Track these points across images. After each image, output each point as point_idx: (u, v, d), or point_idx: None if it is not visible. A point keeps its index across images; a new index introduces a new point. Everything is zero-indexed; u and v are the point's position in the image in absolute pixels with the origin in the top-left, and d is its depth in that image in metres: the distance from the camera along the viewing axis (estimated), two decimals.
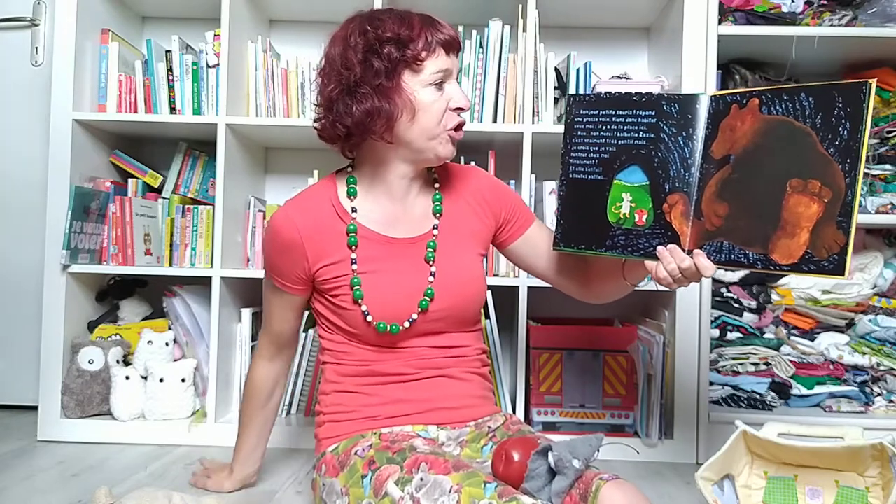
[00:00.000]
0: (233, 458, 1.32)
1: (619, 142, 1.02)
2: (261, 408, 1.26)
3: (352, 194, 1.08)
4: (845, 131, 0.83)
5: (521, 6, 1.81)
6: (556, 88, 1.90)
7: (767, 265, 0.88)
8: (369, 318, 1.05)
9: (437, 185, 1.15)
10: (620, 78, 1.90)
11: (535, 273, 1.24)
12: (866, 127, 0.82)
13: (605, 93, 1.05)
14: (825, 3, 1.81)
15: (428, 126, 1.01)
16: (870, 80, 0.82)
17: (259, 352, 1.24)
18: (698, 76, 1.72)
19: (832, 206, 0.83)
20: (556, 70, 1.90)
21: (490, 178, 1.21)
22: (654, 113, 0.99)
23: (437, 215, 1.12)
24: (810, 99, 0.86)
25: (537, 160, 1.84)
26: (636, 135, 1.00)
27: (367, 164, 1.09)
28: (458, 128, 1.05)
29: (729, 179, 0.93)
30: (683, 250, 0.95)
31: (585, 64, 1.85)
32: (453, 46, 1.03)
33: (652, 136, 0.99)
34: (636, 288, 1.16)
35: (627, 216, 1.00)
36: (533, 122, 1.80)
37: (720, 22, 1.75)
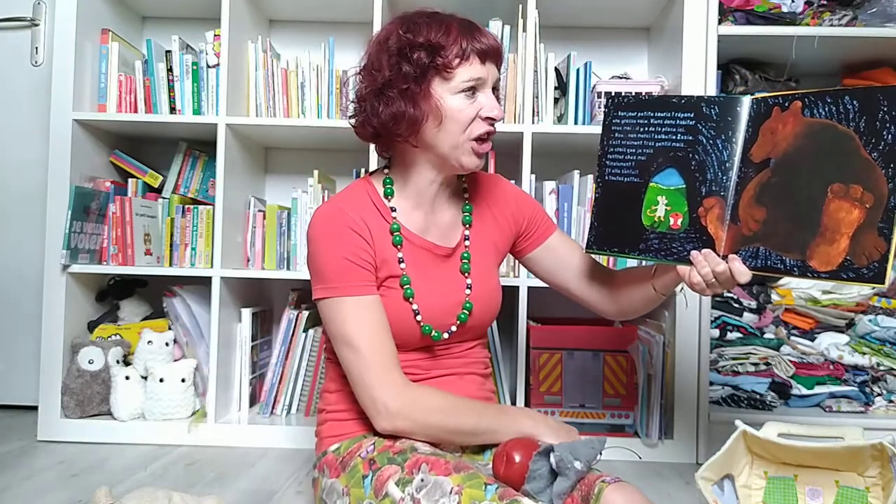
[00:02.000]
0: (512, 416, 1.05)
1: (657, 144, 1.00)
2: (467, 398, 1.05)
3: (389, 194, 1.07)
4: (889, 136, 0.81)
5: (521, 6, 1.81)
6: (556, 88, 1.90)
7: (805, 272, 0.86)
8: (419, 318, 1.03)
9: (466, 195, 1.14)
10: (620, 78, 1.90)
11: (557, 284, 1.21)
12: None
13: (645, 94, 1.03)
14: (825, 3, 1.81)
15: (453, 133, 0.99)
16: None
17: (396, 385, 0.97)
18: (698, 76, 1.72)
19: (874, 213, 0.81)
20: (556, 70, 1.90)
21: (512, 187, 1.21)
22: (692, 115, 0.98)
23: (467, 225, 1.12)
24: (854, 102, 0.85)
25: (537, 160, 1.84)
26: (674, 137, 0.99)
27: (399, 166, 1.08)
28: (483, 139, 1.02)
29: (768, 183, 0.91)
30: (718, 255, 0.94)
31: (585, 64, 1.85)
32: (490, 55, 1.00)
33: (690, 138, 0.98)
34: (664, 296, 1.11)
35: (662, 219, 0.99)
36: (533, 122, 1.80)
37: (720, 22, 1.75)
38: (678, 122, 0.99)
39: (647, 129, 1.02)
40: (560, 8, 1.93)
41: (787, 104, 0.91)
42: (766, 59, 1.94)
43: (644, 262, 1.05)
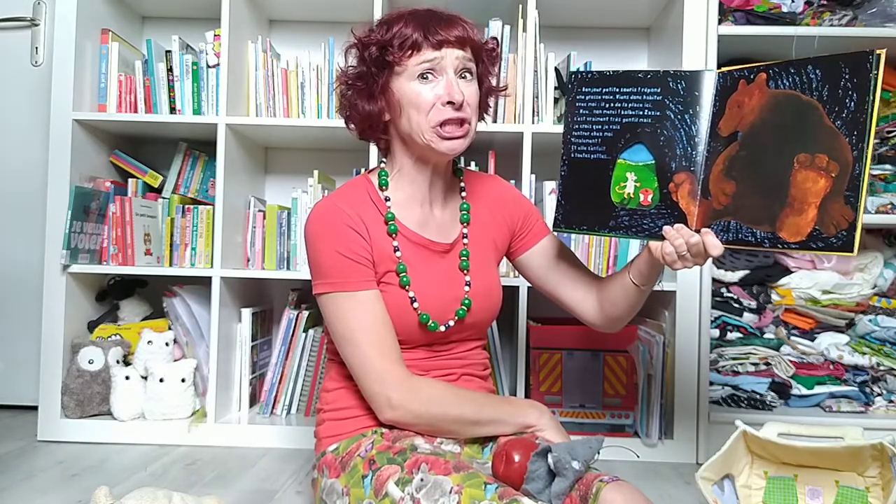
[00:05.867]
0: (517, 407, 1.07)
1: (624, 120, 0.99)
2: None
3: (384, 185, 1.08)
4: (852, 103, 0.80)
5: (521, 6, 1.81)
6: (556, 88, 1.89)
7: (775, 243, 0.86)
8: (416, 305, 1.03)
9: (463, 194, 1.15)
10: None
11: (547, 290, 1.20)
12: (873, 98, 0.79)
13: (609, 70, 1.03)
14: (825, 3, 1.81)
15: (416, 121, 0.99)
16: (877, 50, 0.79)
17: (398, 377, 0.98)
18: None
19: (840, 181, 0.81)
20: (556, 70, 1.90)
21: (510, 188, 1.22)
22: (659, 90, 0.97)
23: (465, 224, 1.13)
24: (817, 71, 0.84)
25: (537, 160, 1.84)
26: (641, 113, 0.98)
27: (392, 160, 1.10)
28: (446, 124, 0.99)
29: (737, 157, 0.90)
30: (690, 230, 0.94)
31: (585, 64, 1.85)
32: (448, 44, 0.98)
33: (657, 113, 0.97)
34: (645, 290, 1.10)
35: (632, 196, 0.98)
36: (533, 122, 1.80)
37: (720, 22, 1.75)
38: (645, 97, 0.98)
39: (612, 105, 1.00)
40: (560, 8, 1.93)
41: (752, 77, 0.91)
42: (766, 60, 1.93)
43: (615, 239, 1.04)
